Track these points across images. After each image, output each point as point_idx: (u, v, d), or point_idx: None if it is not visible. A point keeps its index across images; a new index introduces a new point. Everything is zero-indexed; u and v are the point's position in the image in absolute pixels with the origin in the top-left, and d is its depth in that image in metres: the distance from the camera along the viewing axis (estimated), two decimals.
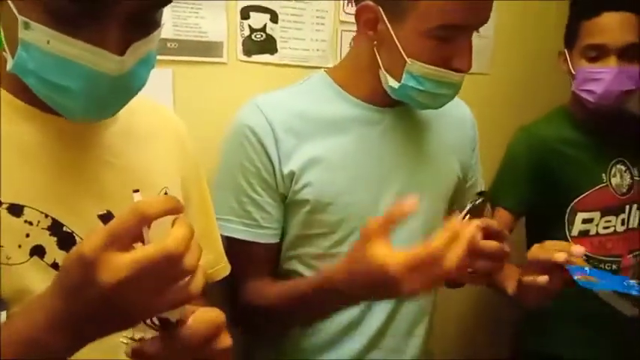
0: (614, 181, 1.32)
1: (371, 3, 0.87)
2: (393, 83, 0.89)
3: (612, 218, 1.32)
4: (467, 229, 0.70)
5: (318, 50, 1.22)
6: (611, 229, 1.32)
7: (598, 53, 1.22)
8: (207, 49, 1.11)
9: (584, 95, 1.27)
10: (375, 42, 0.89)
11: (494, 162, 1.38)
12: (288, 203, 0.94)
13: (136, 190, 0.48)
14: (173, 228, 0.47)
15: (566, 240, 1.30)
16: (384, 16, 0.86)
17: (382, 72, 0.90)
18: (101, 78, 0.53)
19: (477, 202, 0.84)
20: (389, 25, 0.86)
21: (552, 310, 1.25)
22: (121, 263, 0.44)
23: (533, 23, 1.80)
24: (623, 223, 1.33)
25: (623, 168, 1.34)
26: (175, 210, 0.47)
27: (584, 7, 1.24)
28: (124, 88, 0.57)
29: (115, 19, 0.52)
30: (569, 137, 1.32)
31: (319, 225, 0.94)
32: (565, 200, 1.31)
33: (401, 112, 0.98)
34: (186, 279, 0.48)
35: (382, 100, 0.95)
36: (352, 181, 0.93)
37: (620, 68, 1.21)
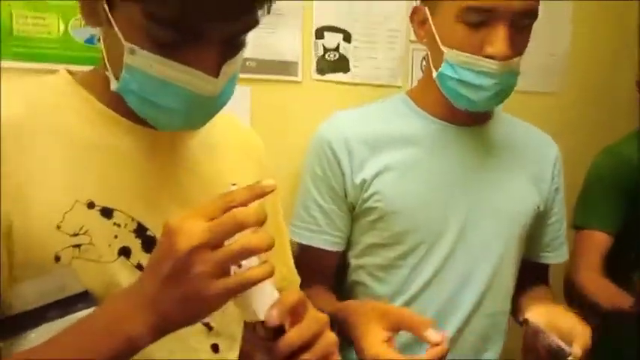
0: None
1: (419, 4, 0.93)
2: (434, 74, 0.91)
3: None
4: None
5: (388, 69, 1.25)
6: None
7: None
8: (283, 68, 1.16)
9: None
10: (425, 40, 0.93)
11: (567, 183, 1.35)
12: (357, 213, 0.97)
13: (234, 184, 0.53)
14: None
15: None
16: (427, 13, 0.91)
17: (431, 68, 0.93)
18: (198, 98, 0.57)
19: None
20: (430, 19, 0.91)
21: None
22: (196, 229, 0.48)
23: (610, 43, 1.76)
24: None
25: None
26: (261, 215, 0.51)
27: None
28: (214, 106, 0.61)
29: (211, 43, 0.56)
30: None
31: (386, 235, 0.96)
32: None
33: (478, 132, 1.00)
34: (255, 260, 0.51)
35: (458, 117, 0.97)
36: (421, 193, 0.95)
37: None
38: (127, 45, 0.56)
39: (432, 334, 0.75)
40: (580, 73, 1.66)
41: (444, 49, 0.89)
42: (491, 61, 0.86)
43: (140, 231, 0.63)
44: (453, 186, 0.96)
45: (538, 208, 1.02)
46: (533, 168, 1.03)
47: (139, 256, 0.63)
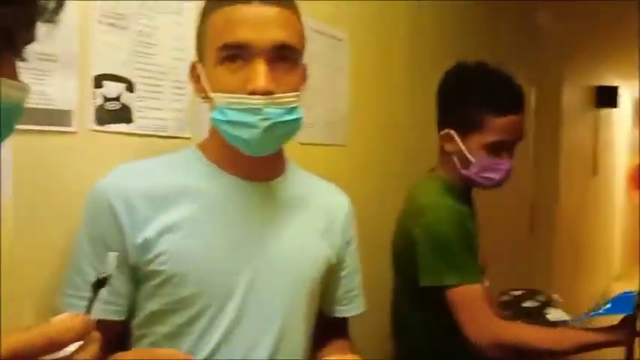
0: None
1: (196, 61, 0.95)
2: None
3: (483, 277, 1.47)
4: None
5: (176, 120, 1.20)
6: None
7: (499, 147, 1.42)
8: (56, 117, 1.04)
9: (479, 180, 1.45)
10: (203, 95, 0.94)
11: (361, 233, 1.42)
12: (139, 277, 0.89)
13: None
14: None
15: None
16: (200, 68, 0.93)
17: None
18: None
19: None
20: (198, 68, 0.93)
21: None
22: None
23: (386, 96, 1.94)
24: None
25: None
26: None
27: (495, 106, 1.41)
28: None
29: None
30: (465, 210, 1.47)
31: (172, 300, 0.89)
32: None
33: (269, 187, 0.99)
34: None
35: (249, 171, 0.95)
36: (209, 253, 0.90)
37: (510, 161, 1.46)
38: None
39: None
40: (362, 125, 1.80)
41: (212, 95, 0.89)
42: (253, 97, 0.86)
43: None
44: (241, 244, 0.94)
45: (330, 261, 1.03)
46: (323, 221, 1.04)
47: None
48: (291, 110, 0.90)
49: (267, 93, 0.86)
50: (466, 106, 1.43)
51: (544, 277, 3.68)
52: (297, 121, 0.92)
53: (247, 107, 0.86)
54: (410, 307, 1.48)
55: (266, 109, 0.86)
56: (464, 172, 1.46)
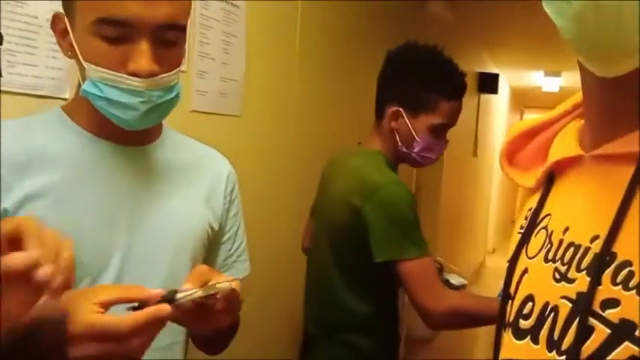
0: None
1: (60, 13, 0.83)
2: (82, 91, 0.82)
3: None
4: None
5: (52, 79, 1.10)
6: None
7: (441, 129, 1.51)
8: None
9: (417, 158, 1.52)
10: (70, 53, 0.83)
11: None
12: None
13: None
14: None
15: None
16: (67, 23, 0.82)
17: (81, 83, 0.83)
18: None
19: None
20: (66, 23, 0.82)
21: None
22: None
23: (281, 67, 1.92)
24: None
25: None
26: None
27: (447, 91, 1.48)
28: None
29: None
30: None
31: None
32: None
33: (143, 151, 0.92)
34: None
35: (119, 136, 0.88)
36: (80, 221, 0.83)
37: (446, 143, 1.56)
38: None
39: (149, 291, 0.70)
40: (256, 97, 1.77)
41: (85, 64, 0.79)
42: (135, 78, 0.79)
43: None
44: (114, 214, 0.87)
45: (212, 228, 0.99)
46: (204, 187, 0.99)
47: None
48: (171, 88, 0.85)
49: (150, 75, 0.79)
50: (420, 88, 1.47)
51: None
52: (176, 97, 0.87)
53: (128, 88, 0.79)
54: (341, 281, 1.48)
55: (147, 92, 0.80)
56: (404, 149, 1.50)
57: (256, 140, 1.81)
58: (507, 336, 0.56)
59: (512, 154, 0.64)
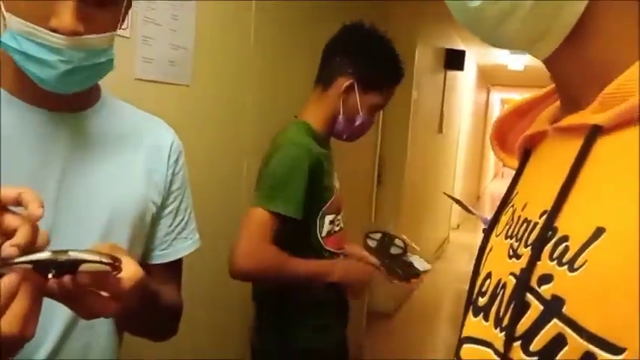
0: (337, 185, 1.58)
1: None
2: None
3: (340, 218, 1.57)
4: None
5: None
6: (339, 227, 1.57)
7: (376, 109, 1.57)
8: None
9: (348, 132, 1.56)
10: None
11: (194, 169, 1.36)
12: None
13: None
14: None
15: (318, 240, 1.50)
16: None
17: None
18: None
19: None
20: None
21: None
22: None
23: (233, 34, 1.86)
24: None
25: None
26: None
27: (395, 75, 1.56)
28: None
29: None
30: (321, 151, 1.49)
31: None
32: (320, 205, 1.48)
33: (75, 120, 0.87)
34: None
35: (50, 101, 0.83)
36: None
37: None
38: None
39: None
40: (208, 67, 1.71)
41: (6, 14, 0.75)
42: (55, 34, 0.74)
43: None
44: (41, 188, 0.78)
45: (153, 202, 0.94)
46: (146, 157, 0.94)
47: None
48: (99, 52, 0.79)
49: (73, 34, 0.75)
50: (376, 68, 1.52)
51: (392, 225, 3.90)
52: (106, 63, 0.82)
53: (46, 43, 0.75)
54: None
55: (68, 52, 0.75)
56: (343, 122, 1.53)
57: (208, 111, 1.76)
58: (469, 314, 0.55)
59: (504, 134, 0.62)
